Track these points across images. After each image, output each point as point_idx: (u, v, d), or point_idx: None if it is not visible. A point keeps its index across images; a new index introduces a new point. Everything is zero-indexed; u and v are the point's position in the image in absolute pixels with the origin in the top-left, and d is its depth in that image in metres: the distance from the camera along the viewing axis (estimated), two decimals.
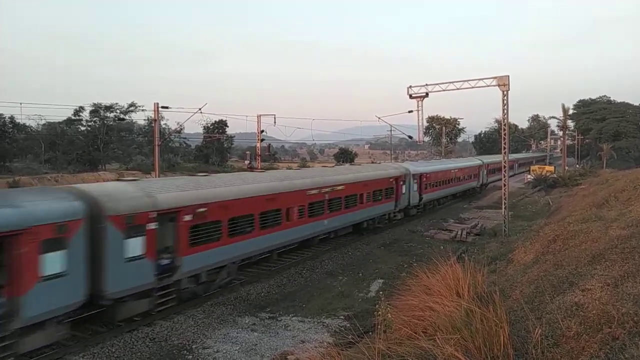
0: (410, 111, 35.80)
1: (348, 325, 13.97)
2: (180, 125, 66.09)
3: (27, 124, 67.09)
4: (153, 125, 38.23)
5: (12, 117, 61.89)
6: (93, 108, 68.47)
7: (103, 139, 67.73)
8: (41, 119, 68.50)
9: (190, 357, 12.41)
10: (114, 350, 12.69)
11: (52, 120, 69.77)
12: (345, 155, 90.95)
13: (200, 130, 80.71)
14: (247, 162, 72.86)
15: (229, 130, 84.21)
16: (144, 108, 70.07)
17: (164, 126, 65.98)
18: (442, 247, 23.74)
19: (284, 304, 16.38)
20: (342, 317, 15.08)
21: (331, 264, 21.85)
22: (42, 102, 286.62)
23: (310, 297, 17.05)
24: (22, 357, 11.34)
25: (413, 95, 30.73)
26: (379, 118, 50.98)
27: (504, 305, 8.86)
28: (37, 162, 66.36)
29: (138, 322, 14.32)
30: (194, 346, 13.01)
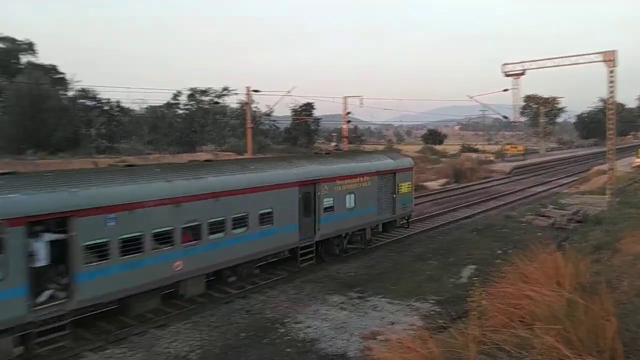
0: (506, 90, 34.08)
1: (438, 309, 13.82)
2: (270, 108, 67.97)
3: (132, 108, 72.31)
4: (245, 108, 39.67)
5: (118, 102, 67.08)
6: (190, 92, 72.35)
7: (199, 122, 71.38)
8: (144, 103, 73.51)
9: (283, 330, 12.93)
10: (212, 320, 13.56)
11: (153, 104, 74.68)
12: (434, 137, 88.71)
13: (289, 112, 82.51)
14: (333, 143, 73.42)
15: (316, 113, 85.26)
16: (236, 92, 72.93)
17: (254, 109, 68.22)
18: (539, 234, 22.66)
19: (372, 285, 16.51)
20: (432, 301, 14.92)
21: (420, 247, 21.61)
22: (145, 87, 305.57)
23: (399, 280, 17.02)
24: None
25: (508, 73, 29.23)
26: (471, 97, 48.96)
27: (610, 297, 8.31)
28: (141, 143, 71.33)
29: (234, 294, 15.20)
30: (285, 320, 13.53)
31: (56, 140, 56.42)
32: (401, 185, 21.61)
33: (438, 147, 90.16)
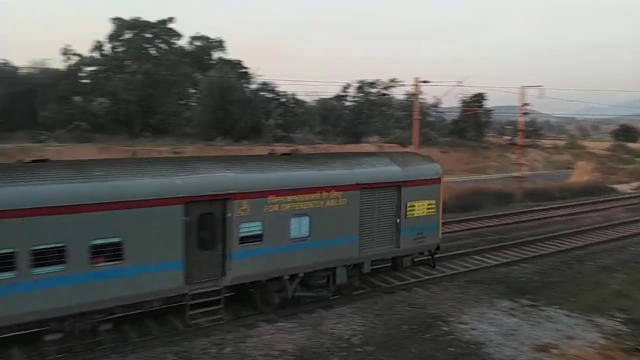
0: None
1: (628, 329, 12.17)
2: (438, 99, 66.37)
3: (305, 100, 76.95)
4: (412, 100, 39.31)
5: (294, 94, 71.99)
6: (359, 85, 74.46)
7: (366, 113, 73.04)
8: (316, 95, 77.68)
9: (446, 328, 12.60)
10: (375, 307, 13.81)
11: (324, 97, 78.41)
12: (626, 133, 78.03)
13: (457, 104, 79.69)
14: (506, 137, 68.83)
15: (489, 104, 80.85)
16: (403, 83, 72.86)
17: (421, 101, 67.25)
18: None
19: (546, 293, 15.19)
20: (619, 319, 13.19)
21: (607, 257, 19.26)
22: (317, 80, 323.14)
23: (579, 291, 15.37)
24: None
25: None
26: None
27: None
28: (312, 133, 75.50)
29: (396, 286, 15.27)
30: (449, 319, 13.16)
31: (240, 128, 62.64)
32: (413, 205, 15.14)
33: (632, 145, 79.60)
